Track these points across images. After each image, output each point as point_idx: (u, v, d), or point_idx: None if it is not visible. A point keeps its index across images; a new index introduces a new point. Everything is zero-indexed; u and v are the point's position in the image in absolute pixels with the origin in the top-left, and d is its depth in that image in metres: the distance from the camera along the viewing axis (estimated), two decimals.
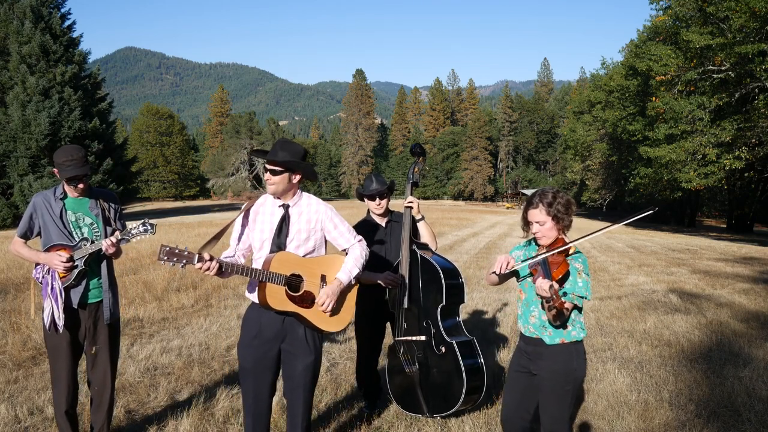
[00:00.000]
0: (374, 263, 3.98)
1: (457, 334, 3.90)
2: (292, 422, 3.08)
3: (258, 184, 76.83)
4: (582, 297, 2.76)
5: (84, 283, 3.34)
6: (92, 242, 3.31)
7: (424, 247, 4.05)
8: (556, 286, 2.54)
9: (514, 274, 3.03)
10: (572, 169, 55.05)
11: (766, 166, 30.57)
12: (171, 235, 17.51)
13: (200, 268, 2.83)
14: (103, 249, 3.26)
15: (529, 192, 47.71)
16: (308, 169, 3.06)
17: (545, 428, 2.90)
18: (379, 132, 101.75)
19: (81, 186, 3.32)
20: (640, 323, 7.17)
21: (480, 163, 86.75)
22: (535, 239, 2.98)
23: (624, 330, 6.84)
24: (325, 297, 2.98)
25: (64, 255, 3.22)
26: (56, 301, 3.23)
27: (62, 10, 32.88)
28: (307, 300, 3.01)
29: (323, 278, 3.07)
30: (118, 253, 3.37)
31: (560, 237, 2.88)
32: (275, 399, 3.96)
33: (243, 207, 3.15)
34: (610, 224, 3.03)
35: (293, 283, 2.97)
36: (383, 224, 4.16)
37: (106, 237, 3.36)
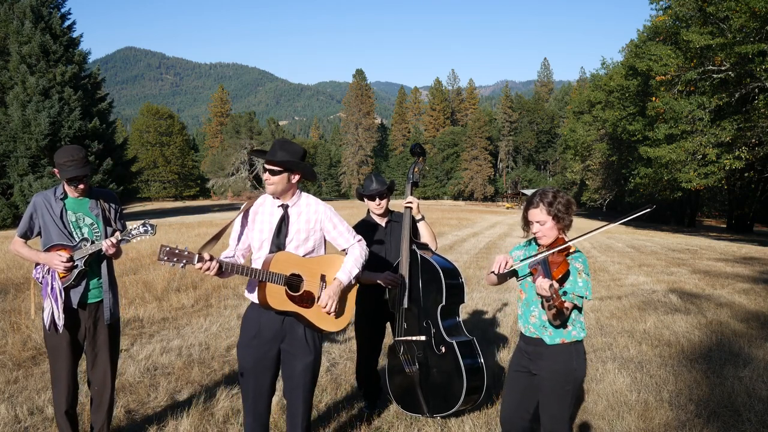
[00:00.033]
0: (374, 263, 3.98)
1: (457, 334, 3.90)
2: (291, 422, 3.08)
3: (258, 184, 76.83)
4: (582, 297, 2.76)
5: (84, 283, 3.34)
6: (92, 242, 3.31)
7: (424, 247, 4.05)
8: (556, 285, 2.54)
9: (514, 274, 3.03)
10: (572, 169, 55.04)
11: (766, 166, 30.58)
12: (171, 235, 17.51)
13: (200, 268, 2.83)
14: (104, 249, 3.26)
15: (529, 192, 47.73)
16: (307, 169, 3.06)
17: (545, 428, 2.90)
18: (379, 132, 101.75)
19: (81, 186, 3.32)
20: (640, 323, 7.17)
21: (480, 163, 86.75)
22: (535, 239, 2.99)
23: (624, 330, 6.84)
24: (326, 299, 2.98)
25: (64, 255, 3.22)
26: (56, 301, 3.23)
27: (62, 10, 32.88)
28: (307, 300, 3.01)
29: (323, 278, 3.07)
30: (118, 253, 3.37)
31: (560, 237, 2.88)
32: (275, 399, 3.97)
33: (242, 207, 3.14)
34: (608, 223, 3.03)
35: (293, 282, 2.98)
36: (383, 224, 4.16)
37: (106, 237, 3.36)
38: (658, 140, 27.88)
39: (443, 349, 3.79)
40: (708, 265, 14.09)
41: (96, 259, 3.37)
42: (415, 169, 4.17)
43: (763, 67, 21.86)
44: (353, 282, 3.16)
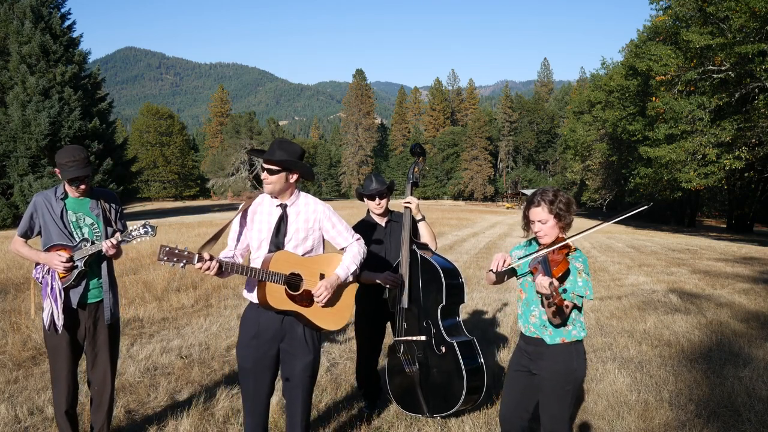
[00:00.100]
0: (374, 263, 3.98)
1: (458, 334, 3.90)
2: (291, 422, 3.08)
3: (258, 184, 76.77)
4: (581, 296, 2.77)
5: (84, 283, 3.34)
6: (92, 243, 3.31)
7: (424, 247, 4.05)
8: (556, 283, 2.54)
9: (513, 273, 3.03)
10: (572, 169, 55.05)
11: (766, 166, 30.58)
12: (171, 235, 17.51)
13: (200, 268, 2.83)
14: (104, 250, 3.26)
15: (528, 192, 47.74)
16: (305, 168, 3.06)
17: (545, 428, 2.90)
18: (379, 132, 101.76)
19: (83, 187, 3.32)
20: (640, 323, 7.17)
21: (480, 163, 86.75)
22: (535, 239, 2.99)
23: (624, 330, 6.84)
24: (322, 289, 2.98)
25: (64, 255, 3.22)
26: (56, 301, 3.23)
27: (62, 10, 32.89)
28: (307, 299, 3.01)
29: (322, 277, 3.07)
30: (118, 253, 3.37)
31: (560, 236, 2.88)
32: (275, 399, 3.97)
33: (240, 207, 3.14)
34: (606, 221, 3.03)
35: (293, 282, 2.98)
36: (383, 224, 4.16)
37: (106, 237, 3.36)
38: (658, 140, 27.88)
39: (443, 349, 3.79)
40: (708, 265, 14.09)
41: (96, 259, 3.37)
42: (415, 169, 4.17)
43: (763, 67, 21.86)
44: (351, 279, 3.15)
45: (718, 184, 29.45)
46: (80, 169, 3.23)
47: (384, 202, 4.09)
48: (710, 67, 24.53)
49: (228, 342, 5.98)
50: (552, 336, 2.85)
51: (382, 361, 4.42)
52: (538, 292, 2.69)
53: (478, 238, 20.81)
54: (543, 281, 2.60)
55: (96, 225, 3.39)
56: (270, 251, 3.01)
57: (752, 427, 3.98)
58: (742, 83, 24.50)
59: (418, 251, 3.97)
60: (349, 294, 3.20)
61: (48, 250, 3.27)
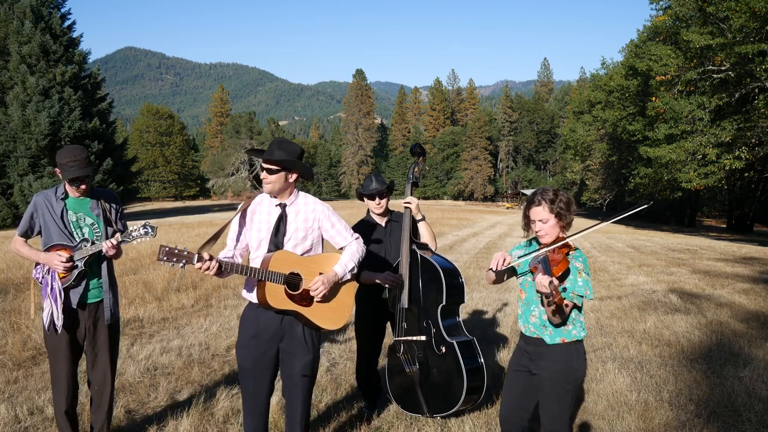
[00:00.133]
0: (374, 263, 3.98)
1: (458, 334, 3.90)
2: (290, 422, 3.08)
3: (258, 184, 76.74)
4: (581, 296, 2.77)
5: (84, 283, 3.34)
6: (93, 243, 3.31)
7: (424, 247, 4.05)
8: (555, 282, 2.55)
9: (513, 272, 3.04)
10: (572, 169, 55.06)
11: (766, 166, 30.58)
12: (171, 235, 17.51)
13: (200, 268, 2.83)
14: (104, 251, 3.26)
15: (528, 192, 47.73)
16: (305, 168, 3.06)
17: (545, 428, 2.90)
18: (379, 132, 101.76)
19: (83, 187, 3.32)
20: (640, 323, 7.17)
21: (480, 163, 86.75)
22: (535, 239, 2.99)
23: (624, 330, 6.84)
24: (318, 283, 2.97)
25: (64, 255, 3.22)
26: (55, 301, 3.23)
27: (62, 10, 32.89)
28: (306, 298, 3.01)
29: None
30: (118, 254, 3.37)
31: (560, 236, 2.89)
32: (275, 399, 3.97)
33: (240, 207, 3.14)
34: (605, 220, 3.03)
35: (292, 281, 2.98)
36: (383, 224, 4.16)
37: (107, 237, 3.36)
38: (658, 140, 27.88)
39: (443, 349, 3.79)
40: (708, 265, 14.09)
41: (96, 259, 3.37)
42: (415, 169, 4.17)
43: (763, 67, 21.86)
44: (349, 277, 3.15)
45: (718, 184, 29.45)
46: (81, 169, 3.23)
47: (384, 201, 4.09)
48: (710, 67, 24.53)
49: (228, 342, 5.98)
50: (552, 336, 2.85)
51: (382, 361, 4.42)
52: (538, 291, 2.69)
53: (478, 238, 20.81)
54: (543, 280, 2.60)
55: (96, 225, 3.39)
56: (269, 251, 3.01)
57: (752, 427, 3.98)
58: (742, 83, 24.50)
59: (418, 251, 3.97)
60: (349, 294, 3.20)
61: (48, 250, 3.27)
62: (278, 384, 3.43)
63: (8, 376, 4.86)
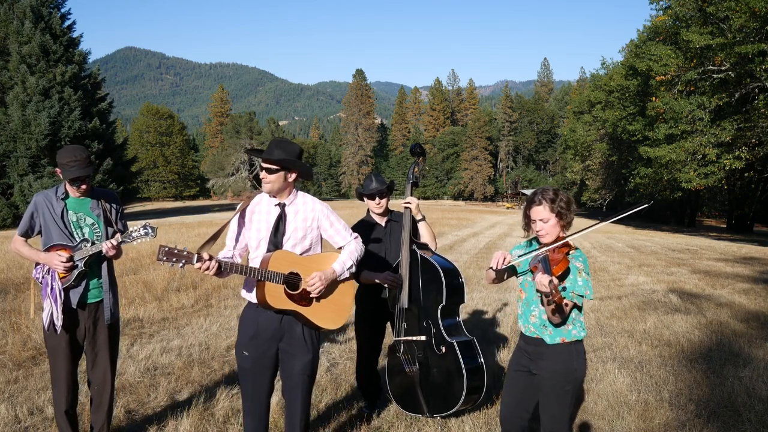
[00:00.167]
0: (374, 263, 3.98)
1: (458, 334, 3.90)
2: (290, 422, 3.08)
3: (258, 184, 76.73)
4: (581, 296, 2.77)
5: (84, 283, 3.34)
6: (93, 243, 3.31)
7: (424, 246, 4.05)
8: (555, 281, 2.55)
9: (513, 272, 3.04)
10: (572, 169, 55.06)
11: (766, 166, 30.58)
12: (171, 235, 17.51)
13: (200, 268, 2.83)
14: (104, 251, 3.26)
15: (528, 192, 47.72)
16: (304, 167, 3.06)
17: (545, 428, 2.90)
18: (379, 132, 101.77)
19: (84, 187, 3.32)
20: (640, 323, 7.17)
21: (480, 163, 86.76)
22: (536, 239, 2.99)
23: (624, 330, 6.84)
24: (316, 279, 2.97)
25: (64, 255, 3.21)
26: (55, 301, 3.23)
27: (62, 10, 32.89)
28: (306, 298, 3.01)
29: None
30: (118, 254, 3.37)
31: (561, 235, 2.89)
32: (275, 399, 3.97)
33: (239, 207, 3.14)
34: (605, 220, 3.03)
35: (291, 281, 2.97)
36: (383, 224, 4.16)
37: (107, 237, 3.36)
38: (658, 140, 27.88)
39: (443, 349, 3.79)
40: (708, 265, 14.09)
41: (96, 259, 3.36)
42: (415, 169, 4.17)
43: (763, 67, 21.86)
44: (347, 275, 3.15)
45: (718, 184, 29.45)
46: (82, 169, 3.23)
47: (384, 201, 4.09)
48: (710, 67, 24.53)
49: (228, 342, 5.98)
50: (552, 336, 2.85)
51: (382, 361, 4.42)
52: (537, 291, 2.69)
53: (478, 238, 20.81)
54: (543, 279, 2.60)
55: (96, 225, 3.39)
56: (269, 250, 3.01)
57: (752, 427, 3.98)
58: (742, 83, 24.50)
59: (418, 251, 3.97)
60: (348, 293, 3.20)
61: (48, 250, 3.27)
62: (278, 384, 3.43)
63: (8, 376, 4.86)
